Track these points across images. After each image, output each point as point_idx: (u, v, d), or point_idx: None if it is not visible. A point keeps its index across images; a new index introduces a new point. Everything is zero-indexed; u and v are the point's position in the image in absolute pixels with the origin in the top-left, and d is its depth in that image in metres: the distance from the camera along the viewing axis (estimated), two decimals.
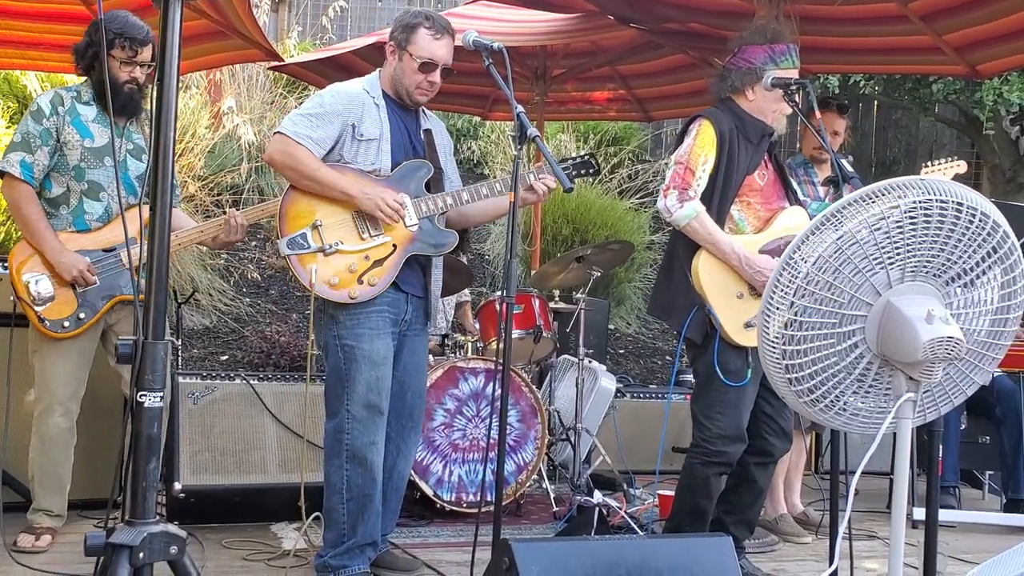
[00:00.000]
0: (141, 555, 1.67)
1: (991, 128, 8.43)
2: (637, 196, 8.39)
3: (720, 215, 3.19)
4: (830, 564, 2.48)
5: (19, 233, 3.51)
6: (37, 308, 3.31)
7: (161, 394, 1.71)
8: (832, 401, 2.12)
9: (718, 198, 3.19)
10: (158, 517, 1.73)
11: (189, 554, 1.77)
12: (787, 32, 3.28)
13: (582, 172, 3.51)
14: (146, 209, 3.36)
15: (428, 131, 3.32)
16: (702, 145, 3.17)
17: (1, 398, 3.47)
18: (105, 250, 3.40)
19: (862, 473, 2.76)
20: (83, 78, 3.54)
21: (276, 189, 7.11)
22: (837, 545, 2.27)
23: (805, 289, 2.04)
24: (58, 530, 3.49)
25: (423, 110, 3.33)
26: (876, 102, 10.03)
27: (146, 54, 3.40)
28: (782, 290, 2.04)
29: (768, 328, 2.07)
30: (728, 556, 2.49)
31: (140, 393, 1.70)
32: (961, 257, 2.06)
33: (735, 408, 3.19)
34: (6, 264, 3.47)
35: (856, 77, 8.28)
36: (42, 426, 3.41)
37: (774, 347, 2.08)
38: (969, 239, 2.04)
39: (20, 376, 3.61)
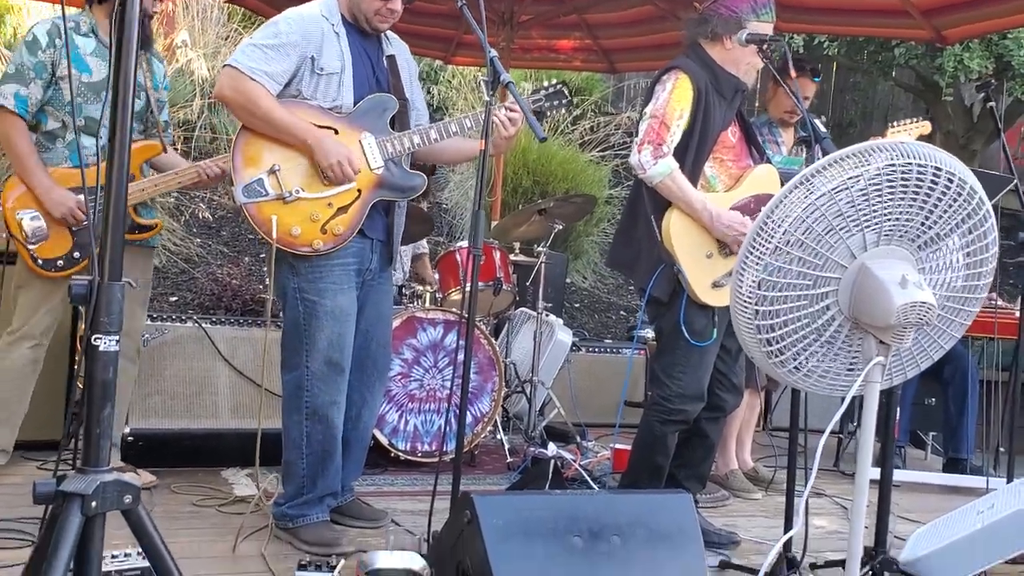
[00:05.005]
0: (94, 504, 1.60)
1: (950, 94, 8.50)
2: (598, 149, 8.33)
3: (695, 173, 3.13)
4: (786, 525, 2.51)
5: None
6: (30, 247, 3.24)
7: (117, 337, 1.63)
8: (801, 363, 2.12)
9: (693, 155, 3.12)
10: (111, 465, 1.66)
11: (143, 503, 1.71)
12: None
13: (555, 103, 3.32)
14: (142, 144, 3.36)
15: (391, 57, 3.11)
16: (678, 99, 3.08)
17: None
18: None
19: (810, 431, 2.78)
20: (80, 8, 3.39)
21: (230, 127, 6.91)
22: (801, 505, 2.27)
23: (781, 249, 2.01)
24: (1, 469, 3.38)
25: (385, 34, 3.12)
26: (836, 64, 10.06)
27: None
28: (759, 249, 2.01)
29: (741, 287, 2.05)
30: (688, 512, 2.51)
31: (95, 336, 1.61)
32: (936, 222, 2.04)
33: (697, 368, 3.18)
34: None
35: (820, 38, 8.27)
36: (8, 356, 3.33)
37: (746, 306, 2.06)
38: (946, 204, 2.02)
39: None
